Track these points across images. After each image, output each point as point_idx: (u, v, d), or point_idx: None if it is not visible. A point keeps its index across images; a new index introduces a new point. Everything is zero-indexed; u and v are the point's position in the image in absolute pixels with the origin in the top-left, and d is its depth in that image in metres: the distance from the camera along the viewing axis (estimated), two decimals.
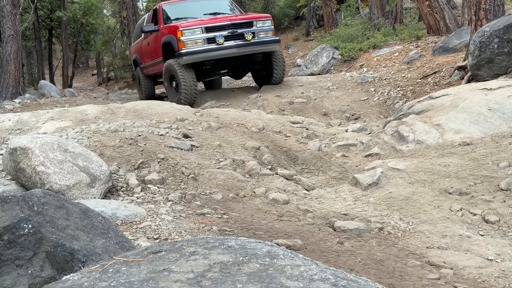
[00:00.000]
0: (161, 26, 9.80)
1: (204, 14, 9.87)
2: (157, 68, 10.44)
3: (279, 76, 9.77)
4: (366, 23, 15.16)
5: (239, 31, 8.91)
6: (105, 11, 29.77)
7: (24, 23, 16.62)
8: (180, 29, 8.72)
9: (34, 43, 22.01)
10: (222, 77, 11.95)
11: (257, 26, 9.10)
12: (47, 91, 13.15)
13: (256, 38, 9.03)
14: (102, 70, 28.28)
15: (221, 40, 8.69)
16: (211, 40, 8.73)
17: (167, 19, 9.92)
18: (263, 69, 9.93)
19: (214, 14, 9.97)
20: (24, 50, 21.46)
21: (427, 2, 11.31)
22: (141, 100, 10.76)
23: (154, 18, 10.48)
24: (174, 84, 9.17)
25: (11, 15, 11.83)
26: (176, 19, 9.83)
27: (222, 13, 10.07)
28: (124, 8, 25.42)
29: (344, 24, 15.92)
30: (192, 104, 8.32)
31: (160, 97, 11.59)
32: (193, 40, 8.69)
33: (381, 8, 15.30)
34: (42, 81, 14.94)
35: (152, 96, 11.44)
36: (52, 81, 20.05)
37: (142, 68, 11.56)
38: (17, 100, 11.24)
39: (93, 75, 33.06)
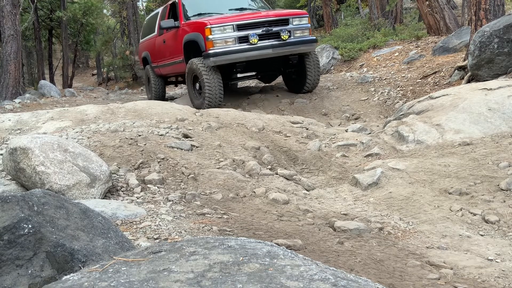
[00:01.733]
0: (182, 22, 8.81)
1: (230, 10, 9.01)
2: (175, 68, 9.63)
3: (313, 82, 8.73)
4: (366, 23, 15.17)
5: (275, 29, 7.95)
6: (105, 11, 29.81)
7: (24, 23, 16.64)
8: (209, 26, 7.74)
9: (34, 43, 22.06)
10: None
11: (293, 24, 8.14)
12: (47, 91, 13.16)
13: (292, 37, 8.06)
14: (102, 70, 28.32)
15: (255, 40, 7.75)
16: (243, 39, 7.78)
17: (188, 14, 8.97)
18: (295, 73, 8.93)
19: (240, 9, 9.10)
20: (24, 50, 21.50)
21: (427, 2, 11.32)
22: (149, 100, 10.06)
23: (172, 13, 9.58)
24: (197, 86, 8.34)
25: (11, 15, 11.84)
26: (199, 14, 8.91)
27: (249, 9, 9.22)
28: (124, 8, 25.44)
29: (344, 24, 15.94)
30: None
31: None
32: (223, 39, 7.74)
33: (381, 8, 15.31)
34: (42, 81, 14.96)
35: (162, 97, 10.67)
36: (52, 81, 20.08)
37: (154, 67, 10.67)
38: (17, 100, 11.25)
39: (93, 75, 33.09)
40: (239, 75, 8.86)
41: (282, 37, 7.94)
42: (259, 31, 7.83)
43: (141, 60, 11.89)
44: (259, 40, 7.81)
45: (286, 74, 9.18)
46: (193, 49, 8.29)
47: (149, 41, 10.95)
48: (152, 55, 10.65)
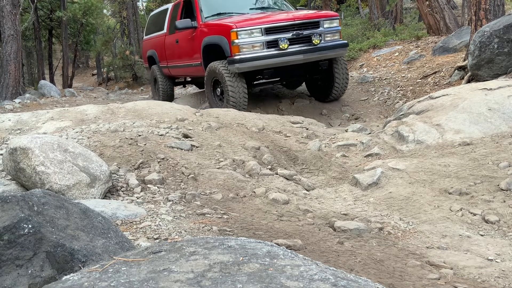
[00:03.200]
0: (200, 22, 8.19)
1: (251, 9, 8.48)
2: (191, 71, 9.07)
3: (340, 89, 8.17)
4: (366, 23, 15.19)
5: (305, 32, 7.37)
6: (105, 11, 29.83)
7: (24, 23, 16.65)
8: (235, 29, 7.12)
9: (34, 43, 22.10)
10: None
11: (324, 26, 7.57)
12: (47, 91, 13.17)
13: (323, 41, 7.50)
14: (102, 70, 28.32)
15: (285, 45, 7.21)
16: (271, 44, 7.23)
17: (205, 13, 8.35)
18: (321, 79, 8.36)
19: (262, 9, 8.64)
20: (24, 50, 21.54)
21: (427, 2, 11.32)
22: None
23: (186, 11, 8.98)
24: (218, 91, 7.77)
25: (11, 15, 11.85)
26: (218, 14, 8.31)
27: (271, 8, 8.73)
28: (124, 8, 25.47)
29: (344, 24, 15.94)
30: None
31: None
32: (250, 44, 7.17)
33: (381, 8, 15.32)
34: (42, 81, 14.98)
35: (170, 99, 10.12)
36: (52, 81, 20.11)
37: (162, 67, 10.10)
38: (17, 100, 11.26)
39: (93, 75, 33.11)
40: (266, 82, 8.31)
41: (313, 41, 7.40)
42: (288, 35, 7.28)
43: (145, 58, 11.28)
44: (289, 44, 7.29)
45: (312, 80, 8.60)
46: (214, 52, 7.78)
47: (156, 39, 10.35)
48: (161, 54, 10.09)
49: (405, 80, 8.75)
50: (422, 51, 10.08)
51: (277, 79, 8.20)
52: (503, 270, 2.48)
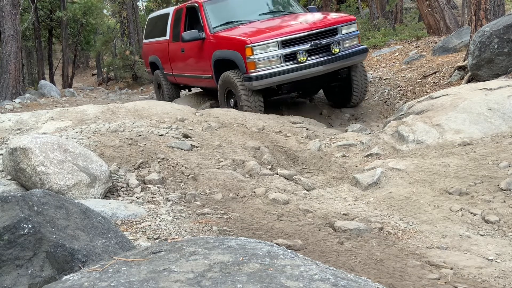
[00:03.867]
0: (209, 33, 7.66)
1: (260, 15, 7.95)
2: (201, 83, 8.70)
3: (360, 95, 7.73)
4: (366, 23, 15.19)
5: (324, 42, 6.86)
6: (105, 11, 29.85)
7: (24, 23, 16.66)
8: (250, 45, 6.62)
9: (34, 43, 22.12)
10: None
11: (342, 32, 7.07)
12: (47, 91, 13.17)
13: (342, 49, 7.00)
14: (102, 70, 28.32)
15: (303, 58, 6.70)
16: (289, 57, 6.73)
17: (213, 23, 7.81)
18: (338, 86, 7.92)
19: (271, 13, 8.16)
20: (24, 50, 21.55)
21: (427, 2, 11.32)
22: None
23: (189, 19, 8.54)
24: (231, 102, 7.38)
25: (11, 15, 11.85)
26: (227, 23, 7.77)
27: (281, 12, 8.26)
28: (124, 8, 25.47)
29: None
30: None
31: None
32: (266, 59, 6.67)
33: (381, 8, 15.32)
34: (42, 81, 14.98)
35: None
36: (52, 81, 20.12)
37: (167, 74, 9.74)
38: (17, 100, 11.26)
39: (93, 75, 33.12)
40: (283, 93, 7.72)
41: (333, 50, 6.90)
42: (306, 46, 6.76)
43: (147, 63, 10.90)
44: (308, 56, 6.79)
45: (330, 87, 8.11)
46: (225, 65, 7.33)
47: (158, 45, 9.94)
48: (164, 61, 9.70)
49: (405, 80, 8.75)
50: (422, 51, 10.08)
51: (294, 92, 7.78)
52: (503, 270, 2.48)
